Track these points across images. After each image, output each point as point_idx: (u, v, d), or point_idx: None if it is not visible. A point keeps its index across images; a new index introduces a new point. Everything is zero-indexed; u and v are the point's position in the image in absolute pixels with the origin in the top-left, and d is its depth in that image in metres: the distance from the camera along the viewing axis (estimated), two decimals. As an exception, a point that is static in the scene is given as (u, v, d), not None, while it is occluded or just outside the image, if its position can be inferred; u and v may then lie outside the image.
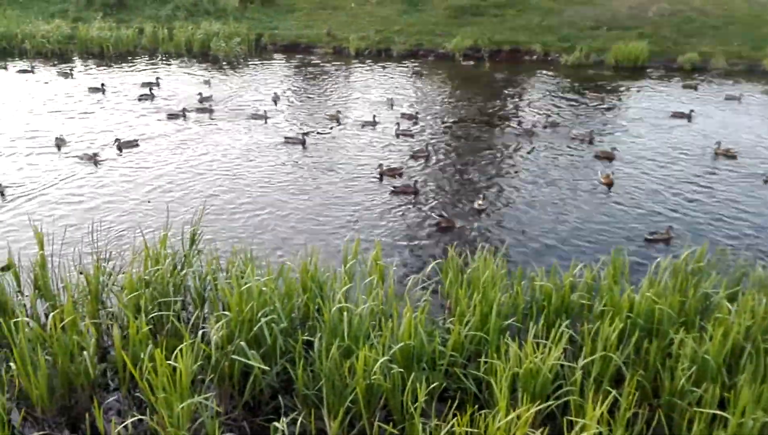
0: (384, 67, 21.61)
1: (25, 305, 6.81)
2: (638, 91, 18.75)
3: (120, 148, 13.07)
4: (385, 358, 5.42)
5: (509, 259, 8.42)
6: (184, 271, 6.99)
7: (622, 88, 19.07)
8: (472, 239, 9.45)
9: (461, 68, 21.84)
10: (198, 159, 12.77)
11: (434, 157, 13.08)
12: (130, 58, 22.14)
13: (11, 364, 5.54)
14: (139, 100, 16.78)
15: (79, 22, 24.04)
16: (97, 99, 16.85)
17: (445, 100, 17.86)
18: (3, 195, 10.61)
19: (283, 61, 22.36)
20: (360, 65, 21.94)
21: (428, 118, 15.81)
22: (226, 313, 6.00)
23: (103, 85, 17.57)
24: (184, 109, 15.43)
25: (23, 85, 18.40)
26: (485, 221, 10.17)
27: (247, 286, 6.09)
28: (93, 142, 13.50)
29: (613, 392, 5.28)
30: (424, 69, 21.41)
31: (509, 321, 6.23)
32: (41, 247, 7.31)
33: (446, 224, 9.85)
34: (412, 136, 14.32)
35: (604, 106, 17.10)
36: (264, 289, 6.15)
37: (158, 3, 26.23)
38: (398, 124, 14.63)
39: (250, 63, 21.81)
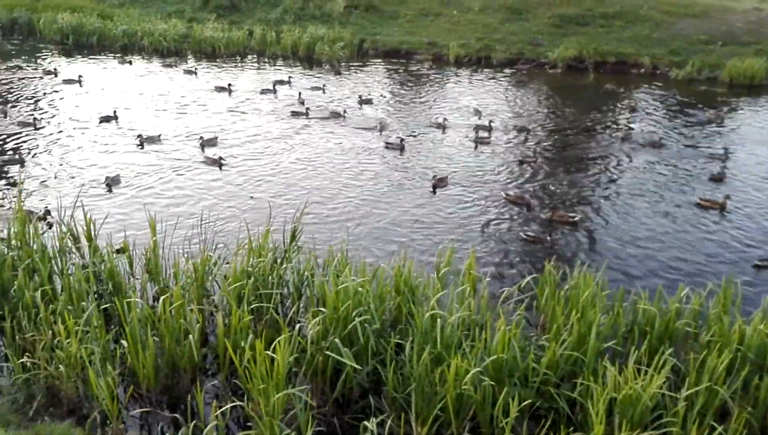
0: (483, 75, 21.44)
1: (135, 287, 7.26)
2: (755, 111, 17.59)
3: (203, 147, 13.49)
4: (477, 369, 5.37)
5: (608, 278, 8.12)
6: (284, 266, 7.22)
7: (737, 107, 17.96)
8: (569, 254, 9.20)
9: (563, 78, 21.31)
10: (303, 159, 13.10)
11: (530, 168, 12.84)
12: (239, 58, 23.17)
13: (123, 341, 5.92)
14: (261, 93, 17.71)
15: (193, 23, 25.42)
16: (223, 98, 17.58)
17: (544, 109, 17.49)
18: (110, 188, 11.28)
19: (383, 67, 22.67)
20: (459, 72, 21.88)
21: (528, 127, 15.51)
22: (322, 309, 6.15)
23: (230, 85, 18.25)
24: (307, 109, 15.94)
25: (160, 82, 19.47)
26: (582, 236, 9.88)
27: (343, 285, 6.22)
28: (225, 142, 13.93)
29: (719, 428, 4.98)
30: (525, 78, 21.08)
31: (608, 344, 6.01)
32: (153, 234, 7.77)
33: (536, 237, 9.65)
34: (488, 143, 14.17)
35: (718, 124, 16.16)
36: (360, 289, 6.25)
37: (268, 6, 27.29)
38: (476, 131, 14.64)
39: (351, 67, 22.25)
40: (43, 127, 14.49)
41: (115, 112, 15.34)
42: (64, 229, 7.95)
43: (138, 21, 25.02)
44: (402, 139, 13.94)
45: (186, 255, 7.83)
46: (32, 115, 15.03)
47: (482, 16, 26.76)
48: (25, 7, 26.34)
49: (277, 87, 18.23)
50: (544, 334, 6.35)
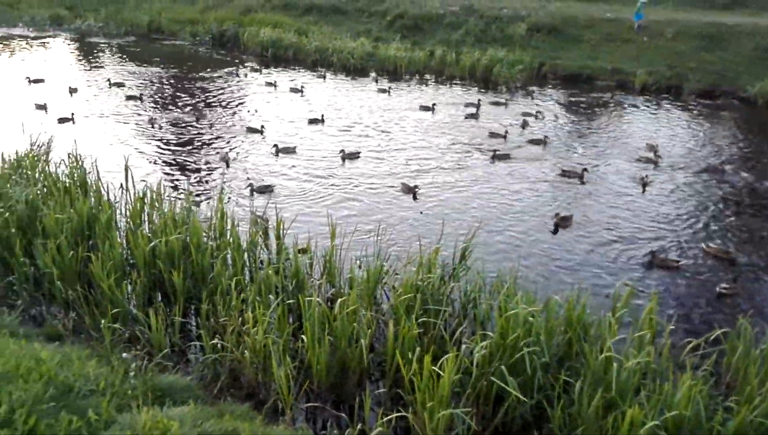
0: (671, 106, 20.07)
1: (314, 287, 7.73)
2: None
3: (343, 159, 13.89)
4: (655, 422, 5.01)
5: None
6: (452, 285, 7.29)
7: None
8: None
9: (766, 114, 19.30)
10: (478, 181, 13.12)
11: (726, 212, 11.76)
12: (418, 77, 23.88)
13: (302, 336, 6.33)
14: (465, 118, 17.82)
15: (379, 42, 26.64)
16: (428, 117, 18.04)
17: (741, 148, 15.93)
18: (256, 193, 12.04)
19: (562, 91, 22.12)
20: (644, 101, 20.69)
21: (720, 167, 14.23)
22: (489, 333, 6.11)
23: (434, 105, 18.71)
24: (506, 132, 15.93)
25: (367, 98, 20.41)
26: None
27: (513, 312, 6.13)
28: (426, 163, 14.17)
29: None
30: (719, 112, 19.39)
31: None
32: (333, 239, 8.24)
33: (729, 290, 8.78)
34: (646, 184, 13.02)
35: None
36: (530, 319, 6.13)
37: (450, 28, 27.85)
38: (646, 158, 13.80)
39: (528, 90, 21.96)
40: (265, 133, 15.78)
41: (322, 116, 16.93)
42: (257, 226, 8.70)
43: (329, 38, 26.76)
44: (585, 169, 13.39)
45: (359, 262, 8.22)
46: (260, 122, 16.30)
47: (674, 43, 25.11)
48: (232, 21, 29.30)
49: (475, 109, 18.28)
50: (732, 395, 5.76)
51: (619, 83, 22.85)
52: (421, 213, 11.37)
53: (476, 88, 22.27)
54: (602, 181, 13.33)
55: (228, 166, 13.10)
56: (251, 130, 15.69)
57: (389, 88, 21.01)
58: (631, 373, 5.59)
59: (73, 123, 15.89)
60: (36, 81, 19.83)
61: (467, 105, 19.08)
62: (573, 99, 21.15)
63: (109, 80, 20.30)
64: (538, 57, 24.65)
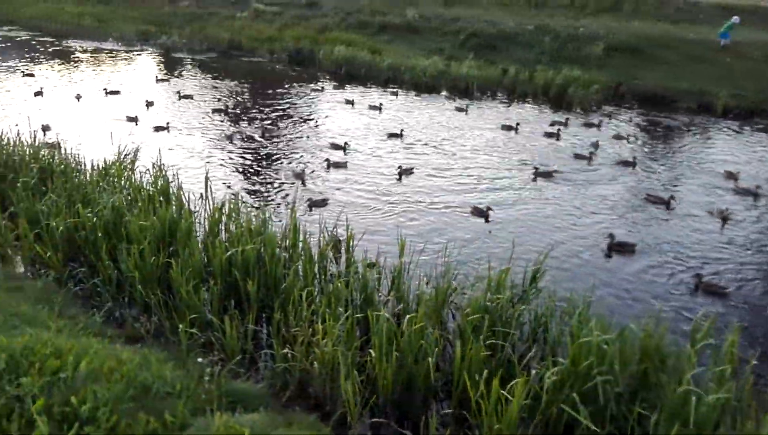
0: (757, 130, 19.14)
1: (382, 302, 7.78)
2: None
3: (400, 176, 13.87)
4: (737, 462, 4.75)
5: None
6: (522, 307, 7.17)
7: None
8: None
9: None
10: (553, 201, 12.90)
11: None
12: (490, 95, 23.77)
13: (370, 350, 6.38)
14: (546, 137, 17.60)
15: (452, 60, 26.71)
16: (511, 136, 17.87)
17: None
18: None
19: (640, 112, 21.49)
20: (727, 125, 19.83)
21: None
22: (561, 359, 5.97)
23: (517, 124, 18.44)
24: (591, 154, 15.57)
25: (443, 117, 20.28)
26: None
27: (586, 339, 5.97)
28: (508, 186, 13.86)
29: None
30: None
31: None
32: (402, 255, 8.28)
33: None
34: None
35: None
36: (603, 346, 5.95)
37: (525, 47, 27.62)
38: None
39: (605, 111, 21.45)
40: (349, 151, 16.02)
41: (401, 131, 17.29)
42: (328, 238, 8.85)
43: (402, 56, 27.06)
44: (672, 196, 12.81)
45: (427, 279, 8.22)
46: (345, 140, 16.39)
47: (763, 66, 23.97)
48: (309, 39, 30.10)
49: (558, 129, 17.96)
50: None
51: (701, 105, 22.00)
52: (489, 232, 11.27)
53: (550, 108, 21.94)
54: (682, 207, 12.80)
55: (303, 182, 13.30)
56: (335, 147, 15.89)
57: (467, 106, 20.88)
58: (710, 408, 5.33)
59: (168, 131, 16.75)
60: (112, 92, 20.90)
61: (552, 124, 18.76)
62: (652, 120, 20.51)
63: (179, 93, 21.22)
64: (615, 77, 24.07)
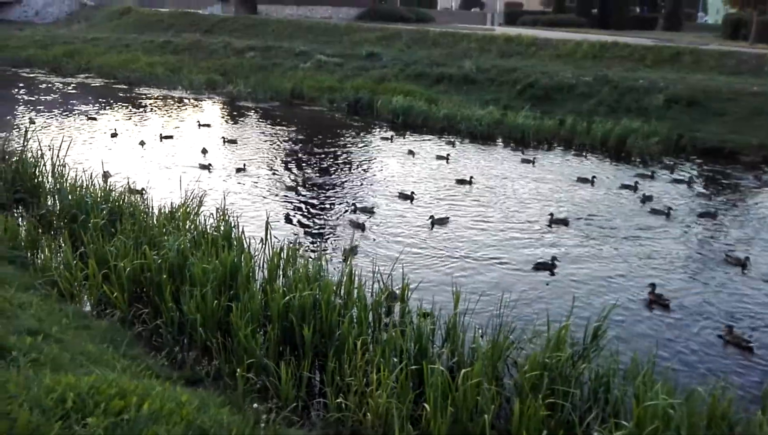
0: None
1: (437, 353, 7.70)
2: None
3: (432, 225, 13.66)
4: None
5: None
6: (583, 365, 6.97)
7: None
8: None
9: None
10: (623, 256, 12.58)
11: None
12: (546, 145, 23.66)
13: (425, 403, 6.30)
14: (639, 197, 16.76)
15: (507, 110, 26.80)
16: (586, 189, 17.50)
17: None
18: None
19: (702, 165, 20.96)
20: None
21: None
22: (624, 423, 5.75)
23: (593, 177, 18.05)
24: (669, 209, 15.06)
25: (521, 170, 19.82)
26: None
27: (651, 403, 5.74)
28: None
29: None
30: None
31: None
32: (456, 305, 8.23)
33: None
34: None
35: None
36: (670, 411, 5.71)
37: (582, 97, 27.49)
38: None
39: (666, 163, 21.01)
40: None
41: (471, 178, 17.50)
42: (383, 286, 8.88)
43: (459, 106, 27.35)
44: (747, 258, 12.19)
45: (482, 332, 8.11)
46: (411, 190, 16.34)
47: (836, 119, 23.09)
48: (368, 89, 30.82)
49: (636, 182, 17.56)
50: None
51: (767, 159, 21.30)
52: (547, 284, 11.07)
53: (609, 159, 21.65)
54: (757, 269, 12.19)
55: (363, 230, 13.30)
56: (403, 196, 15.94)
57: (534, 158, 20.65)
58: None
59: (245, 172, 17.53)
60: (166, 137, 21.75)
61: (637, 175, 18.40)
62: (718, 174, 19.96)
63: (223, 138, 21.95)
64: (675, 129, 23.60)
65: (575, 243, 13.23)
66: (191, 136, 22.46)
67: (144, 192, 13.98)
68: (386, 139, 23.74)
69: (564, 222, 14.34)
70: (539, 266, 11.79)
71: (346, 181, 17.71)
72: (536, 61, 33.54)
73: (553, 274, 11.56)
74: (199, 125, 24.44)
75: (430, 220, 13.95)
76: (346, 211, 14.75)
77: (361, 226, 13.46)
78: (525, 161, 20.52)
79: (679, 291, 10.91)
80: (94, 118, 25.08)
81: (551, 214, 14.50)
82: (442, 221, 14.01)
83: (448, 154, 20.67)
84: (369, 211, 14.43)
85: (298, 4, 53.31)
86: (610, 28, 54.03)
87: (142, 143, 20.71)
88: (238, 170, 17.75)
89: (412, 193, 15.93)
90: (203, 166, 17.95)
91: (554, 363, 6.84)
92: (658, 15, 65.52)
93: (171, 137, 21.86)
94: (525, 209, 15.44)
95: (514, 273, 11.54)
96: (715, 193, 17.87)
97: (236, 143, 21.62)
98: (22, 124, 22.76)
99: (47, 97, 30.51)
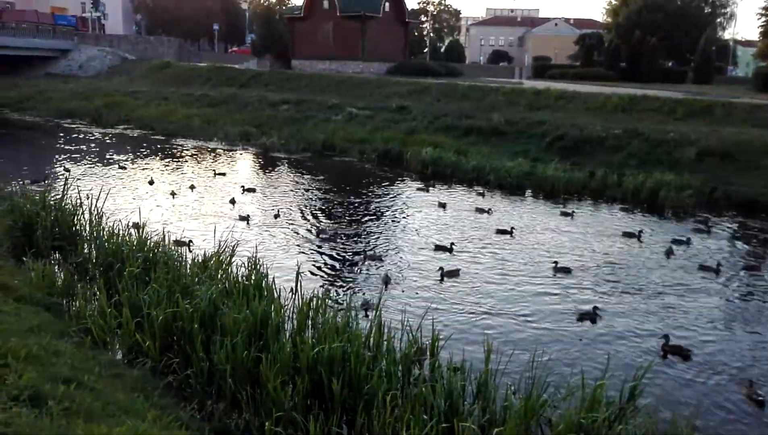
0: None
1: (467, 410, 7.53)
2: None
3: (443, 277, 13.47)
4: None
5: None
6: (620, 427, 6.75)
7: None
8: None
9: None
10: (668, 310, 12.34)
11: None
12: (577, 196, 23.51)
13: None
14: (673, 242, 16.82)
15: (537, 162, 26.83)
16: (632, 243, 17.23)
17: None
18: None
19: (738, 219, 20.58)
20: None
21: None
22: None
23: (640, 232, 17.71)
24: (718, 264, 14.73)
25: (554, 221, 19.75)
26: None
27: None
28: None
29: None
30: None
31: None
32: (488, 362, 8.09)
33: None
34: None
35: None
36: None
37: (612, 150, 27.43)
38: None
39: (700, 217, 20.68)
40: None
41: (512, 229, 17.58)
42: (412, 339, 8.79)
43: (488, 158, 27.49)
44: None
45: (513, 388, 7.93)
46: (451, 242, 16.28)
47: None
48: (398, 141, 31.25)
49: (686, 239, 17.23)
50: None
51: (808, 214, 20.85)
52: (580, 340, 10.83)
53: (642, 212, 21.41)
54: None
55: (386, 286, 13.00)
56: (439, 248, 15.87)
57: (573, 212, 20.43)
58: None
59: (279, 218, 18.09)
60: (191, 187, 22.14)
61: (692, 230, 18.20)
62: (751, 228, 19.55)
63: (243, 187, 22.33)
64: (709, 182, 23.32)
65: (617, 299, 12.94)
66: (221, 186, 22.93)
67: (184, 243, 14.15)
68: (422, 189, 23.93)
69: (567, 270, 14.20)
70: (582, 316, 11.68)
71: (377, 231, 17.78)
72: (565, 114, 33.68)
73: (594, 322, 11.45)
74: (215, 174, 24.86)
75: (440, 271, 13.75)
76: (370, 259, 14.71)
77: (386, 280, 13.20)
78: (564, 214, 20.35)
79: (722, 352, 10.58)
80: (128, 168, 25.83)
81: (555, 262, 14.49)
82: (453, 274, 13.74)
83: (489, 209, 20.48)
84: (377, 258, 14.52)
85: (330, 60, 54.76)
86: (639, 82, 54.16)
87: (173, 193, 21.11)
88: (276, 216, 18.27)
89: (452, 244, 15.86)
90: (242, 218, 18.05)
91: (590, 423, 6.64)
92: (688, 68, 65.56)
93: (193, 188, 22.12)
94: (569, 262, 15.08)
95: (551, 327, 11.34)
96: (760, 246, 17.48)
97: (255, 192, 22.00)
98: (61, 173, 23.55)
99: (87, 147, 31.61)
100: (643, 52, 61.39)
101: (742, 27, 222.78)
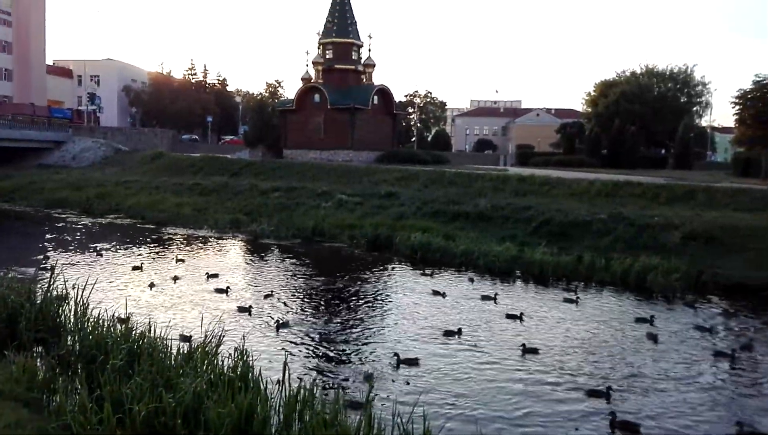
0: None
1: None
2: None
3: (398, 364, 13.21)
4: None
5: None
6: None
7: None
8: None
9: None
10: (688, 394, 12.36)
11: None
12: (565, 280, 23.56)
13: None
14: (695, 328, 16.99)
15: (524, 246, 27.07)
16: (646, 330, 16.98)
17: None
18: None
19: (725, 302, 20.64)
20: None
21: None
22: None
23: (652, 317, 17.85)
24: (733, 351, 14.80)
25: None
26: None
27: None
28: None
29: None
30: None
31: None
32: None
33: None
34: None
35: None
36: None
37: (599, 235, 27.81)
38: None
39: (687, 301, 20.74)
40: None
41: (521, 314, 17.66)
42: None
43: (476, 242, 27.74)
44: None
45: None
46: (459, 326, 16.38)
47: None
48: (386, 226, 31.56)
49: (709, 327, 17.27)
50: None
51: (795, 296, 20.96)
52: (576, 429, 10.58)
53: (632, 296, 21.43)
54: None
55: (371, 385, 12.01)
56: (447, 334, 15.78)
57: (577, 298, 20.33)
58: None
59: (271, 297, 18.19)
60: (175, 278, 21.73)
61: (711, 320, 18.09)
62: (740, 312, 19.58)
63: (207, 273, 22.27)
64: (695, 265, 23.54)
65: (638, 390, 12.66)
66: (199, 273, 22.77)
67: (187, 337, 13.79)
68: (427, 274, 23.94)
69: (534, 351, 14.22)
70: (592, 393, 11.86)
71: (367, 321, 17.62)
72: (550, 199, 34.36)
73: (609, 402, 11.47)
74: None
75: (395, 357, 13.40)
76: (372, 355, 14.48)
77: (369, 380, 12.42)
78: (567, 301, 20.30)
79: None
80: (112, 257, 25.71)
81: (523, 345, 14.56)
82: (411, 362, 13.38)
83: (496, 294, 20.40)
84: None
85: (321, 149, 56.09)
86: (621, 168, 55.55)
87: (151, 285, 20.60)
88: (266, 296, 18.76)
89: (459, 329, 15.82)
90: (243, 309, 17.58)
91: None
92: (668, 155, 67.56)
93: (177, 279, 21.65)
94: (580, 352, 14.98)
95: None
96: (754, 330, 17.45)
97: (218, 277, 21.81)
98: (47, 263, 23.38)
99: (74, 237, 31.63)
100: (623, 139, 63.32)
101: (718, 114, 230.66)
